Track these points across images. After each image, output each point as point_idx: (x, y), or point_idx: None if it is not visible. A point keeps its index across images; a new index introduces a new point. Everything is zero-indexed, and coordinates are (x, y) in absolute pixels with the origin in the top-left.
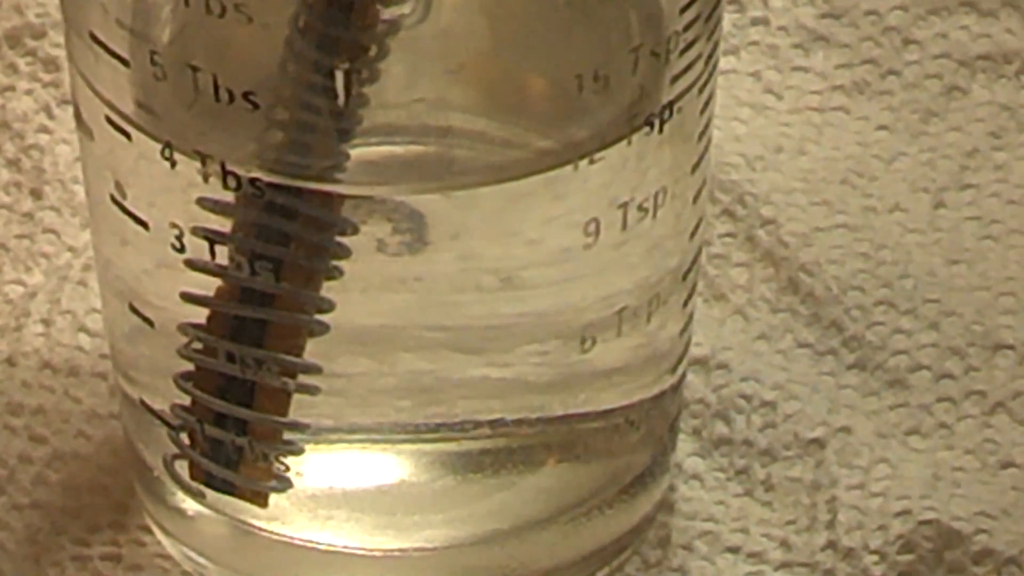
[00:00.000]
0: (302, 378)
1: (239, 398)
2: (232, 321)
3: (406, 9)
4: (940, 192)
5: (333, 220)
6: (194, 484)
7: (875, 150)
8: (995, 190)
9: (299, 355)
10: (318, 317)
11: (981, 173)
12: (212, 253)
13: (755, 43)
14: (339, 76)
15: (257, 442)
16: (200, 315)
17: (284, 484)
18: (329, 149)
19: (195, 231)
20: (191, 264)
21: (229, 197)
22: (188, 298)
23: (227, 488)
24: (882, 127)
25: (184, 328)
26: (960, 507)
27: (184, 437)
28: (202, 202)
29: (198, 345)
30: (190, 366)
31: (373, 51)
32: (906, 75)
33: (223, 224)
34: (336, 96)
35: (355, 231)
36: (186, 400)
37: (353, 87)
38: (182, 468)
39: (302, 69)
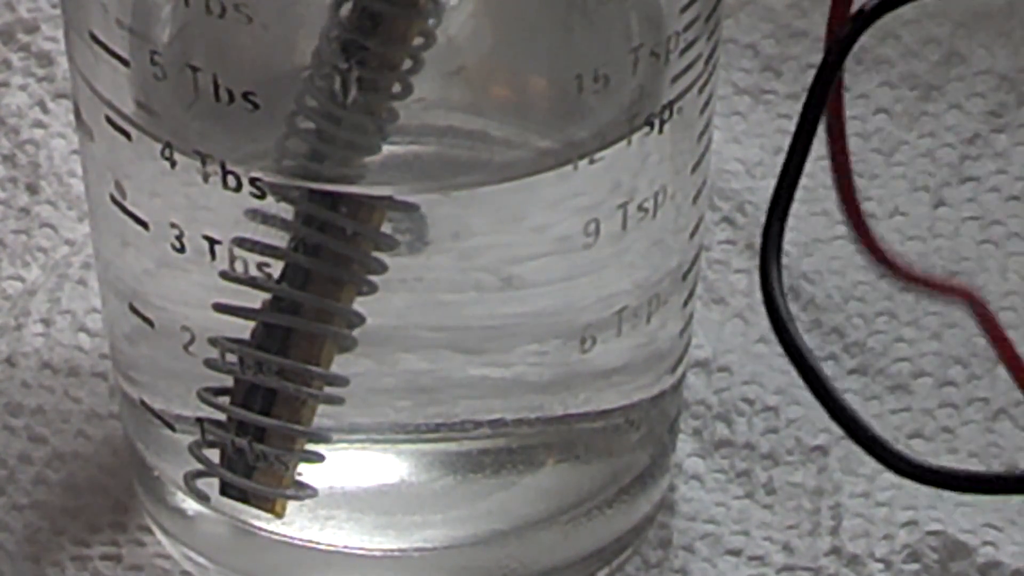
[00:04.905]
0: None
1: (263, 408)
2: (262, 332)
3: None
4: (940, 189)
5: (374, 235)
6: (205, 494)
7: (874, 142)
8: (995, 183)
9: (327, 367)
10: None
11: (981, 162)
12: (212, 253)
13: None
14: (369, 90)
15: (283, 452)
16: (204, 321)
17: (306, 492)
18: (351, 159)
19: (240, 243)
20: (225, 276)
21: (279, 210)
22: (221, 309)
23: (257, 499)
24: (881, 110)
25: (216, 340)
26: (966, 518)
27: (208, 452)
28: (251, 214)
29: (212, 354)
30: (192, 368)
31: (407, 64)
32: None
33: (218, 227)
34: (363, 108)
35: (395, 245)
36: (204, 413)
37: (384, 101)
38: (206, 485)
39: (332, 82)
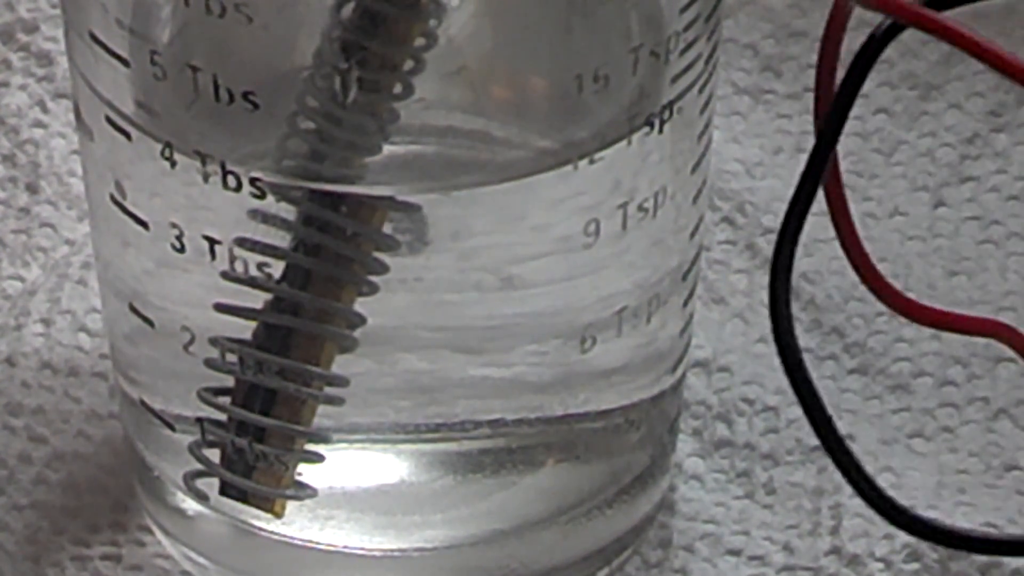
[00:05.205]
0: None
1: (263, 408)
2: (263, 332)
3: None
4: (940, 189)
5: (376, 236)
6: (204, 493)
7: (874, 142)
8: (994, 183)
9: (328, 367)
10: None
11: (981, 162)
12: (212, 254)
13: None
14: (371, 90)
15: (283, 452)
16: (204, 321)
17: (306, 492)
18: (351, 160)
19: (241, 243)
20: (227, 276)
21: (281, 211)
22: (222, 309)
23: (256, 499)
24: (881, 110)
25: (217, 340)
26: (966, 516)
27: (208, 452)
28: (253, 214)
29: (213, 354)
30: (193, 368)
31: (408, 65)
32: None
33: (218, 227)
34: (364, 109)
35: (397, 246)
36: (204, 413)
37: (385, 101)
38: (206, 485)
39: (333, 82)
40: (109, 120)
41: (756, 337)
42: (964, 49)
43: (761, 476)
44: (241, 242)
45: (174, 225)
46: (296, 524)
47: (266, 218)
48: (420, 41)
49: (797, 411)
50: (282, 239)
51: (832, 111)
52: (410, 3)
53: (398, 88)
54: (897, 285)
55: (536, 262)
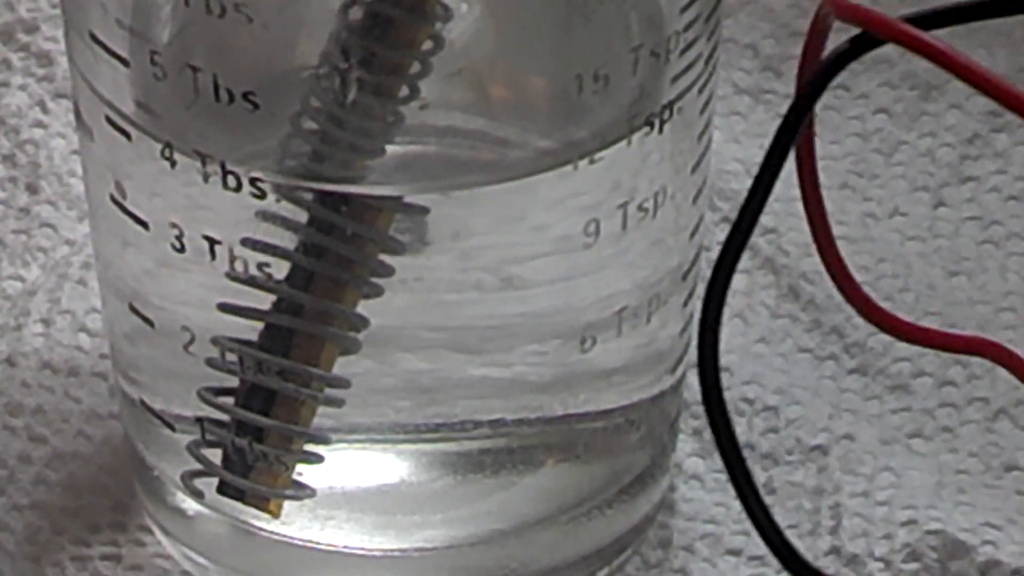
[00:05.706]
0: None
1: (263, 409)
2: (265, 332)
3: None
4: (940, 189)
5: (380, 237)
6: (200, 491)
7: (874, 142)
8: (994, 183)
9: (329, 369)
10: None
11: (981, 162)
12: (212, 254)
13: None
14: (377, 93)
15: (282, 452)
16: (204, 321)
17: (304, 492)
18: (353, 161)
19: (245, 243)
20: (232, 276)
21: (286, 212)
22: (226, 309)
23: (253, 499)
24: (881, 110)
25: (217, 340)
26: (966, 517)
27: (207, 452)
28: (261, 215)
29: (213, 354)
30: (192, 368)
31: (415, 68)
32: None
33: (218, 227)
34: (369, 112)
35: (402, 248)
36: (204, 413)
37: (390, 104)
38: (203, 484)
39: (338, 84)
40: (109, 120)
41: (756, 337)
42: (941, 65)
43: (761, 476)
44: (245, 242)
45: (174, 225)
46: (296, 524)
47: (272, 218)
48: (427, 45)
49: (797, 411)
50: (285, 240)
51: (807, 87)
52: (418, 7)
53: (403, 91)
54: (886, 305)
55: (536, 262)
